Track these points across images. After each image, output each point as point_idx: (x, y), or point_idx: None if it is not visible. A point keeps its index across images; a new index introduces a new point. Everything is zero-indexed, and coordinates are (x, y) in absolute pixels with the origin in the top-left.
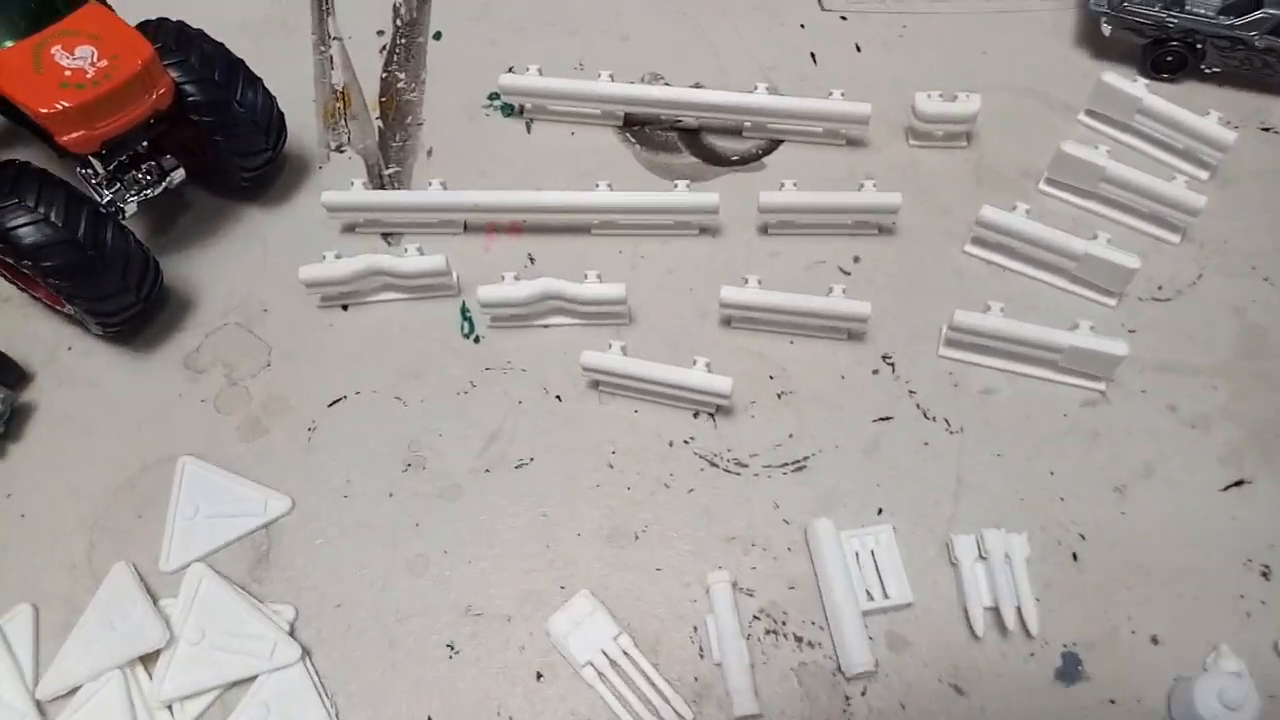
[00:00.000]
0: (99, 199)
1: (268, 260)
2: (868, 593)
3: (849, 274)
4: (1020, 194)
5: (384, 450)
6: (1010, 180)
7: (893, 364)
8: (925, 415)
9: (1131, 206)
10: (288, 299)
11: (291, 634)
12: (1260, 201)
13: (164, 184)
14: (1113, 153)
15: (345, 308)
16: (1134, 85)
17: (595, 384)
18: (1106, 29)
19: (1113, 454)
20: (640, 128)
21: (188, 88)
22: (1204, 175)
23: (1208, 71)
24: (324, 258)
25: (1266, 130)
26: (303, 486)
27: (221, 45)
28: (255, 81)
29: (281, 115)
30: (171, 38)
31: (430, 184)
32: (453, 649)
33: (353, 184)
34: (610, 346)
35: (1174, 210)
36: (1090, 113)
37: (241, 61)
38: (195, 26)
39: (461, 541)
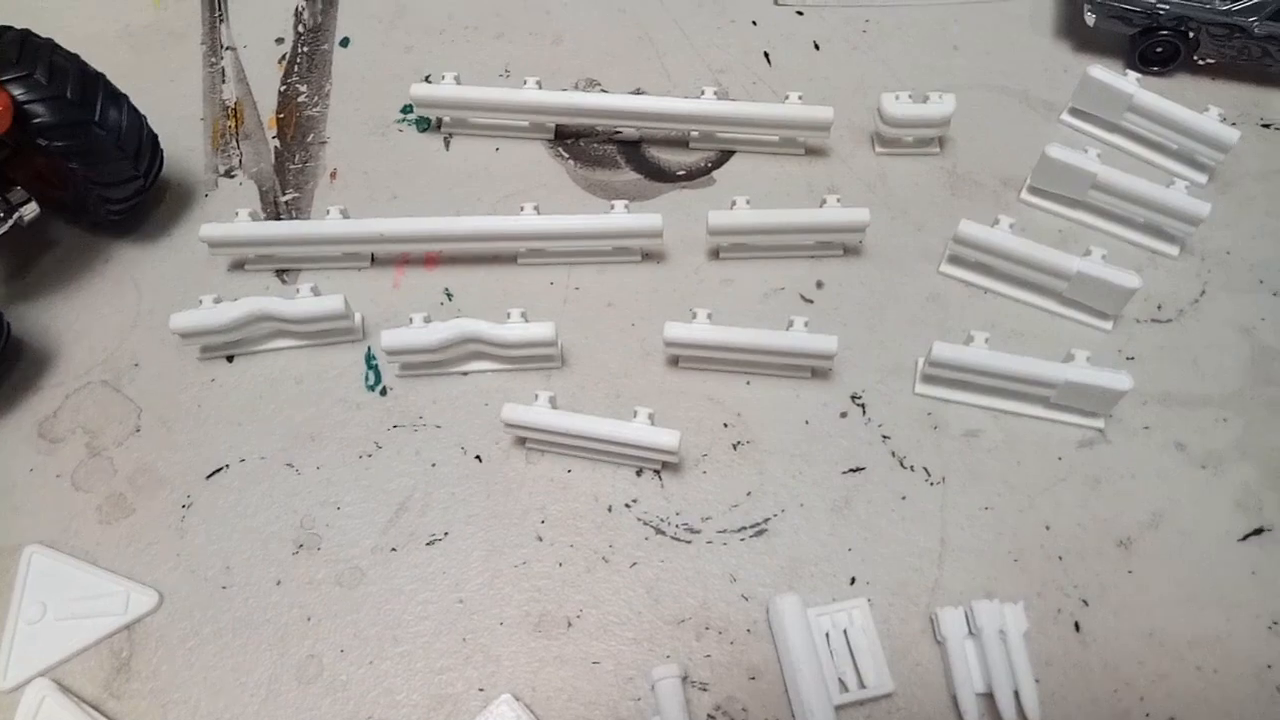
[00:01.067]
0: None
1: (141, 306)
2: (841, 682)
3: (811, 302)
4: (1001, 205)
5: (271, 529)
6: (989, 190)
7: (863, 405)
8: (902, 464)
9: (1125, 216)
10: (163, 351)
11: None
12: (1264, 206)
13: (12, 221)
14: (1103, 156)
15: (230, 359)
16: (1124, 80)
17: (521, 441)
18: (1091, 18)
19: (1115, 503)
20: (574, 141)
21: (34, 107)
22: (1202, 179)
23: (1201, 63)
24: (200, 303)
25: (1267, 126)
26: (174, 577)
27: (76, 57)
28: (119, 98)
29: (154, 137)
30: (12, 49)
31: (329, 211)
32: None
33: (237, 214)
34: (536, 398)
35: (1173, 220)
36: (1075, 111)
37: (101, 76)
38: (45, 36)
39: (362, 638)
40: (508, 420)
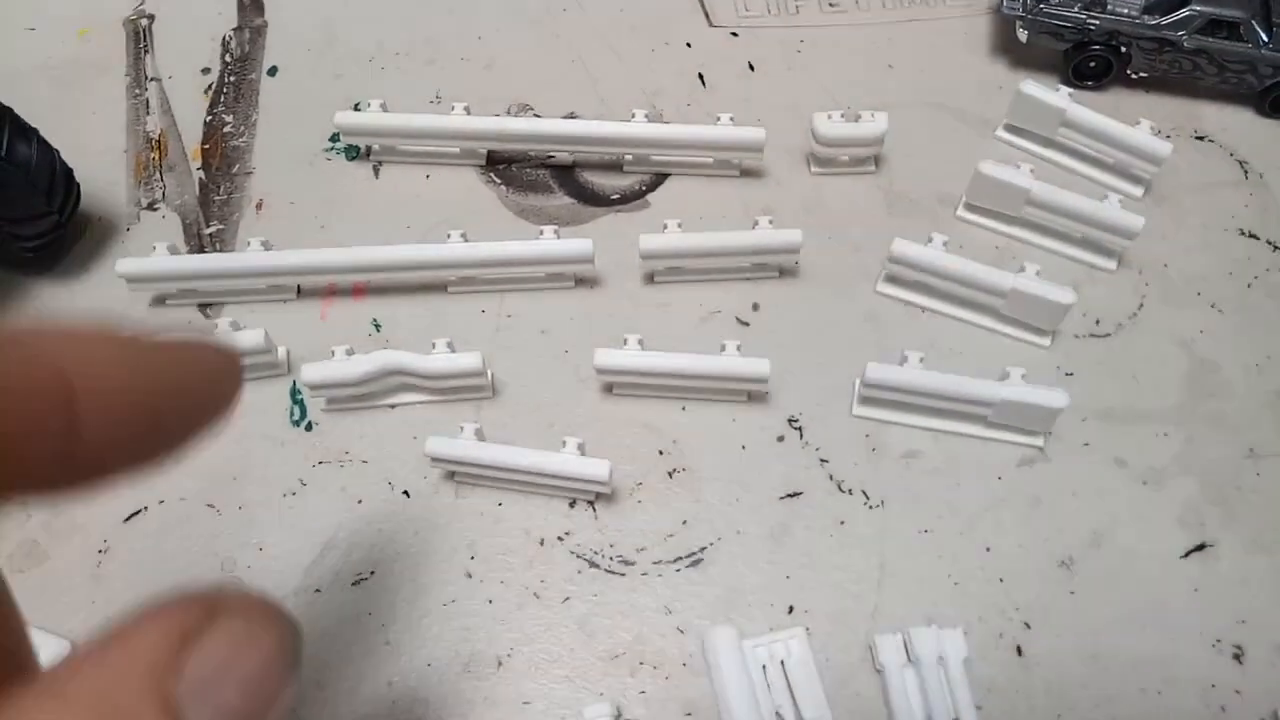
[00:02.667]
0: None
1: None
2: (778, 716)
3: (748, 325)
4: (938, 223)
5: (192, 572)
6: (926, 208)
7: (800, 428)
8: (840, 488)
9: (1061, 232)
10: None
11: None
12: (1200, 219)
13: None
14: (1037, 171)
15: None
16: (1056, 95)
17: (451, 474)
18: (1023, 34)
19: (1056, 521)
20: (506, 166)
21: None
22: (1138, 192)
23: (1134, 77)
24: None
25: (1201, 139)
26: (89, 626)
27: None
28: (28, 132)
29: (68, 171)
30: None
31: (249, 243)
32: None
33: (155, 248)
34: (462, 430)
35: (1109, 234)
36: (1010, 128)
37: (8, 110)
38: None
39: None
40: (432, 454)
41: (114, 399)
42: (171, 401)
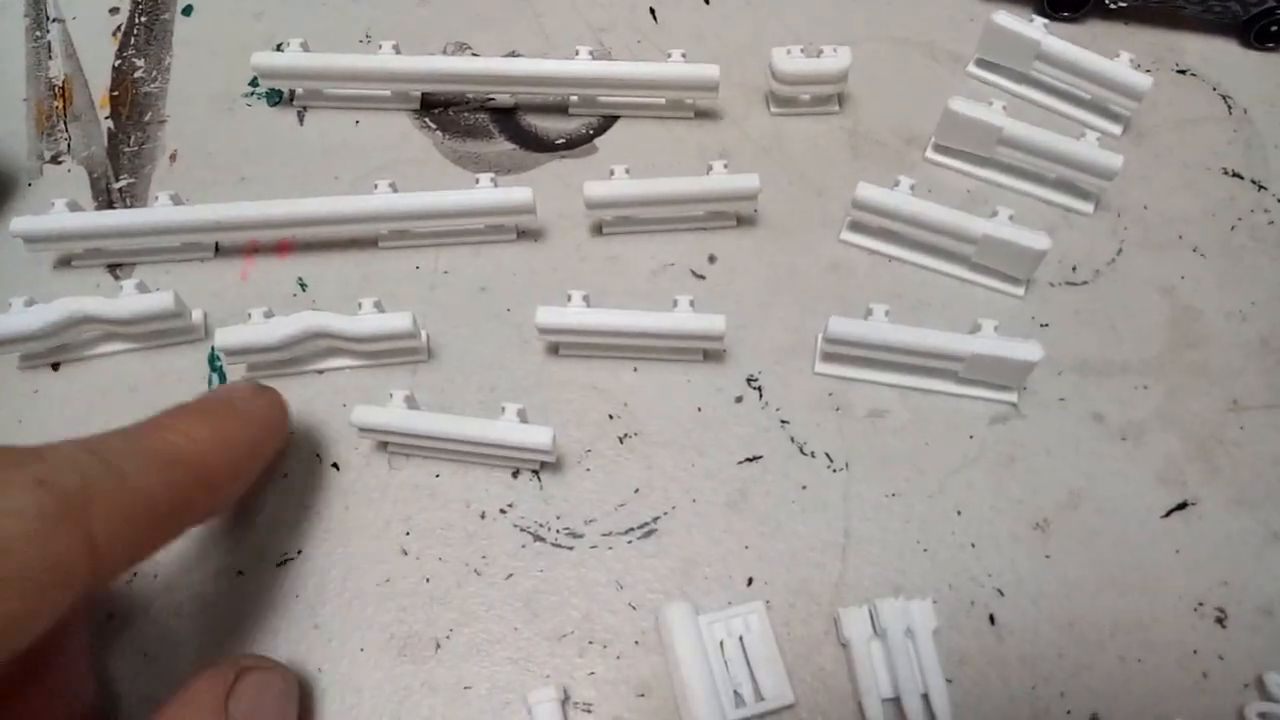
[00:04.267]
0: None
1: None
2: (737, 694)
3: (704, 278)
4: (906, 165)
5: None
6: (893, 149)
7: (760, 388)
8: (802, 450)
9: (1035, 173)
10: None
11: None
12: (1181, 157)
13: None
14: (1010, 109)
15: (56, 367)
16: (1031, 26)
17: (383, 445)
18: None
19: (1031, 482)
20: (443, 110)
21: None
22: (1116, 129)
23: (1113, 7)
24: (10, 306)
25: (1182, 73)
26: None
27: None
28: None
29: None
30: None
31: (156, 198)
32: None
33: (53, 204)
34: (391, 398)
35: (1086, 175)
36: (981, 62)
37: None
38: None
39: None
40: (359, 424)
41: (237, 469)
42: (260, 457)
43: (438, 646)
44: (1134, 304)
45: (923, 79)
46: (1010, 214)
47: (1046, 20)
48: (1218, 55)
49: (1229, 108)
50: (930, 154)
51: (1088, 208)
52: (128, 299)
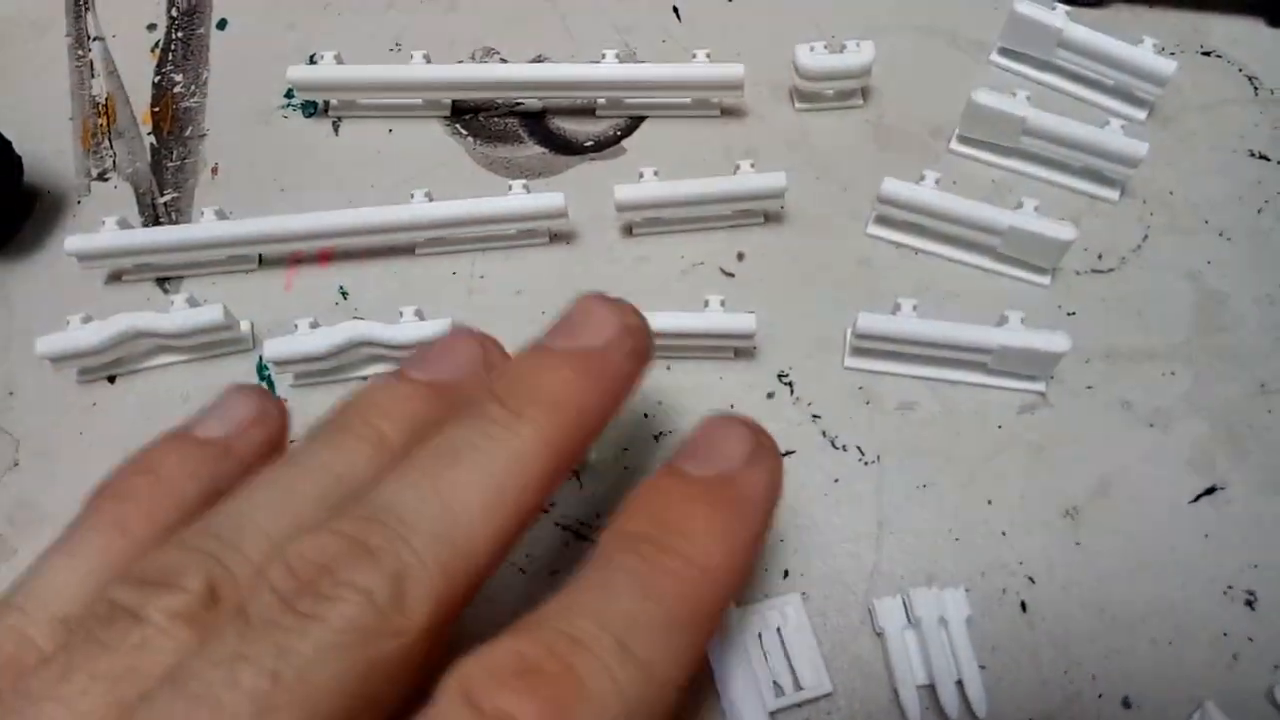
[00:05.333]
0: None
1: (13, 328)
2: (776, 685)
3: (733, 276)
4: (931, 157)
5: None
6: (919, 141)
7: (791, 384)
8: (834, 444)
9: (1060, 162)
10: (39, 376)
11: None
12: (1206, 141)
13: None
14: (1034, 98)
15: (112, 379)
16: (1052, 14)
17: None
18: None
19: (1060, 470)
20: (473, 116)
21: None
22: (1141, 115)
23: None
24: (68, 323)
25: (1208, 55)
26: None
27: None
28: None
29: (6, 143)
30: None
31: (202, 212)
32: None
33: (104, 223)
34: None
35: (1111, 162)
36: (1004, 51)
37: None
38: None
39: None
40: None
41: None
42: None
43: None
44: (1161, 290)
45: (946, 69)
46: (1036, 204)
47: (1069, 7)
48: (1244, 36)
49: (1255, 89)
50: (955, 145)
51: (1113, 195)
52: (179, 313)
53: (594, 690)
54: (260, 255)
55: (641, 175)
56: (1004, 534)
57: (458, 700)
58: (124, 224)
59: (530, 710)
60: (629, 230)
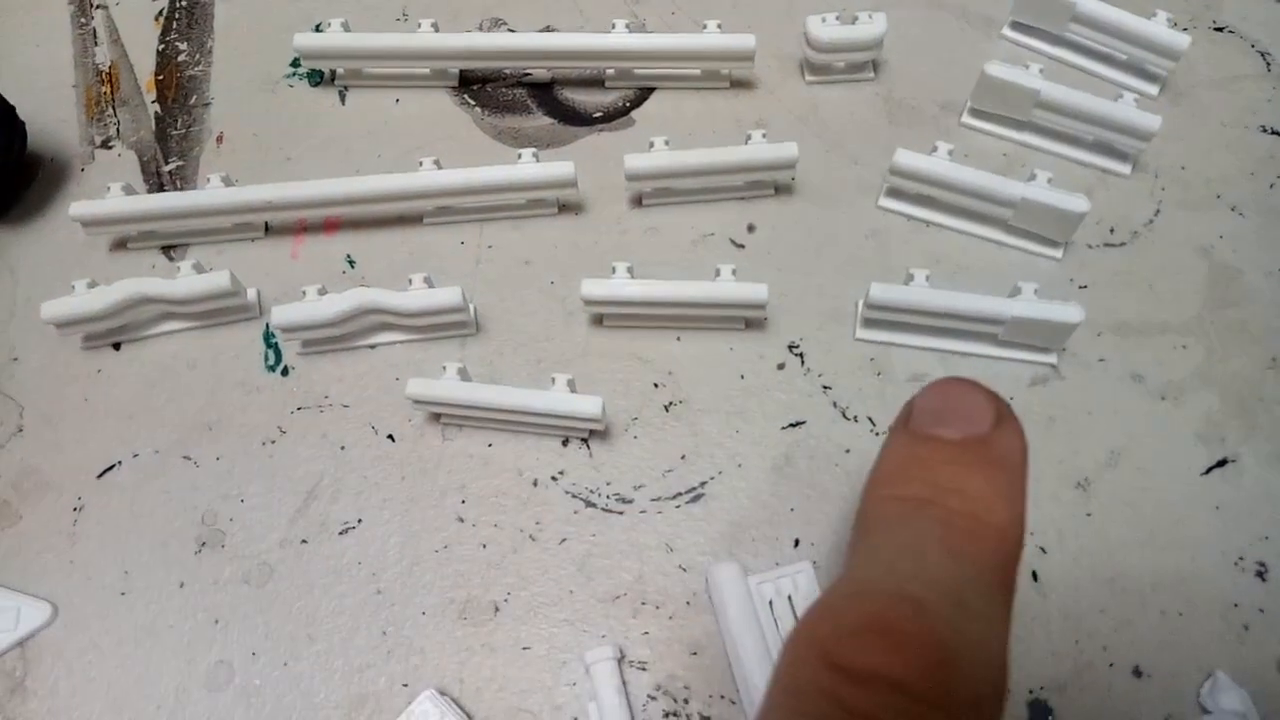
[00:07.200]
0: None
1: (17, 294)
2: None
3: (743, 247)
4: (942, 130)
5: (172, 528)
6: (929, 115)
7: (801, 355)
8: (844, 415)
9: (1072, 135)
10: (43, 343)
11: None
12: (1219, 116)
13: None
14: (1046, 72)
15: (117, 346)
16: None
17: (436, 416)
18: None
19: (1071, 442)
20: (480, 86)
21: None
22: (1153, 90)
23: None
24: (73, 288)
25: (1220, 30)
26: (67, 586)
27: None
28: None
29: (10, 109)
30: None
31: (209, 180)
32: None
33: (109, 189)
34: (444, 370)
35: (1123, 136)
36: (1016, 25)
37: None
38: None
39: (274, 638)
40: (413, 396)
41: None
42: None
43: (496, 610)
44: (1172, 264)
45: (957, 43)
46: (1048, 177)
47: None
48: (1256, 10)
49: (1268, 65)
50: (966, 119)
51: (1125, 169)
52: (186, 279)
53: (953, 646)
54: (266, 223)
55: (652, 145)
56: None
57: (813, 661)
58: (129, 190)
59: (898, 664)
60: (638, 201)
